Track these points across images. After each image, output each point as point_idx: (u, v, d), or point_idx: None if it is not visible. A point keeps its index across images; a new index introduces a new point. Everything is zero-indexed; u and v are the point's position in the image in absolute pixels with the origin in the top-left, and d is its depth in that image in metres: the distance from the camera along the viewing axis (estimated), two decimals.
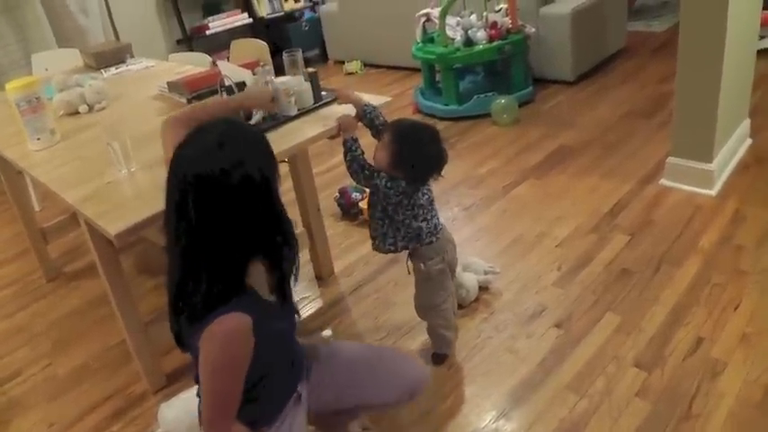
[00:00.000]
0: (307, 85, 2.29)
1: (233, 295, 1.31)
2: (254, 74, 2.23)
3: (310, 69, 2.35)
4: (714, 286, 2.37)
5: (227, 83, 2.21)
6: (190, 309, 1.32)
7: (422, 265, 2.09)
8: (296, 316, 1.60)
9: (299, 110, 2.25)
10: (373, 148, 2.00)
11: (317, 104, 2.30)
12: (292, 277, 1.48)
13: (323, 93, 2.34)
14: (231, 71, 2.21)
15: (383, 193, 1.97)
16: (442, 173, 1.98)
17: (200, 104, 1.96)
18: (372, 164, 1.98)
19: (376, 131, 2.10)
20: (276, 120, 2.21)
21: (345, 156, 2.00)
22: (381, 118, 2.11)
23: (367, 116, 2.10)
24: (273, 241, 1.37)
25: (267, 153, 1.37)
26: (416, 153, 1.93)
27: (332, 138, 2.14)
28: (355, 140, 2.01)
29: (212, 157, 1.26)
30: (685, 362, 2.06)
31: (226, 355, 1.32)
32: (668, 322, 2.24)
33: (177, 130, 1.66)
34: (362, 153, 1.99)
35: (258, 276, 1.39)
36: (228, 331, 1.30)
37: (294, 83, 2.25)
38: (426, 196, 2.03)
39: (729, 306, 2.26)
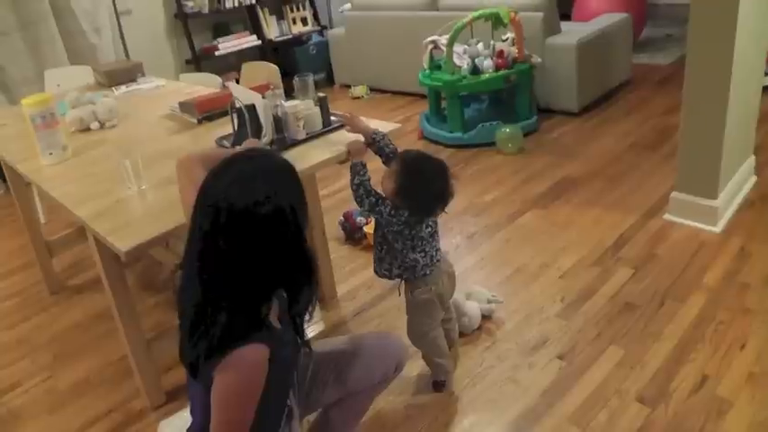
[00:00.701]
0: (316, 110, 2.31)
1: (253, 329, 1.31)
2: (263, 97, 2.25)
3: (320, 94, 2.37)
4: (719, 324, 2.37)
5: (237, 105, 2.22)
6: (208, 339, 1.31)
7: (410, 293, 2.12)
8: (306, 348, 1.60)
9: (307, 134, 2.27)
10: (382, 174, 2.01)
11: (325, 129, 2.32)
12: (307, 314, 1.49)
13: (332, 117, 2.36)
14: (242, 94, 2.23)
15: (386, 220, 1.98)
16: (446, 209, 2.00)
17: (212, 151, 2.00)
18: (380, 191, 2.00)
19: (386, 159, 2.12)
20: (283, 143, 2.23)
21: (352, 181, 2.02)
22: (391, 146, 2.13)
23: (376, 143, 2.11)
24: (296, 277, 1.38)
25: (298, 188, 1.38)
26: (422, 186, 1.94)
27: (341, 162, 2.16)
28: (363, 166, 2.02)
29: (246, 189, 1.27)
30: (690, 399, 2.05)
31: (243, 386, 1.32)
32: (672, 358, 2.23)
33: (194, 168, 1.69)
34: (369, 179, 2.01)
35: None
36: (249, 364, 1.30)
37: (303, 107, 2.27)
38: (429, 229, 2.04)
39: (735, 344, 2.26)
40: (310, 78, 2.39)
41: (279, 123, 2.27)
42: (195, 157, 1.78)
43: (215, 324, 1.29)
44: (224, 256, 1.29)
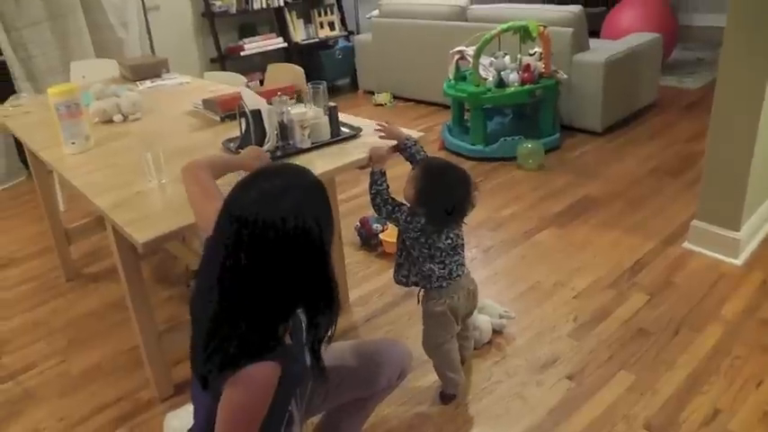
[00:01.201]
0: (324, 119, 2.28)
1: (267, 347, 1.30)
2: (270, 103, 2.23)
3: (331, 104, 2.34)
4: (735, 358, 2.34)
5: (243, 109, 2.20)
6: (222, 354, 1.29)
7: (425, 302, 2.14)
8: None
9: (312, 143, 2.25)
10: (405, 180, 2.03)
11: (333, 139, 2.30)
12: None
13: (344, 129, 2.34)
14: (250, 99, 2.22)
15: (402, 227, 2.01)
16: (465, 220, 2.01)
17: (217, 156, 2.01)
18: (399, 198, 2.02)
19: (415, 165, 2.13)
20: (286, 151, 2.22)
21: (371, 187, 2.04)
22: (423, 153, 2.15)
23: (408, 150, 2.13)
24: (317, 299, 1.37)
25: (326, 207, 1.36)
26: (441, 193, 1.96)
27: (361, 168, 2.17)
28: (383, 174, 2.04)
29: (273, 203, 1.26)
30: (700, 431, 2.04)
31: (252, 404, 1.32)
32: (684, 388, 2.21)
33: (203, 172, 1.72)
34: (388, 187, 2.03)
35: None
36: (260, 383, 1.30)
37: (312, 114, 2.25)
38: (449, 241, 2.04)
39: (751, 381, 2.23)
40: (323, 87, 2.37)
41: (284, 130, 2.25)
42: (201, 162, 1.80)
43: (230, 339, 1.28)
44: (244, 271, 1.27)
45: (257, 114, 2.18)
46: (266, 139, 2.17)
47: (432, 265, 2.04)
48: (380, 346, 1.88)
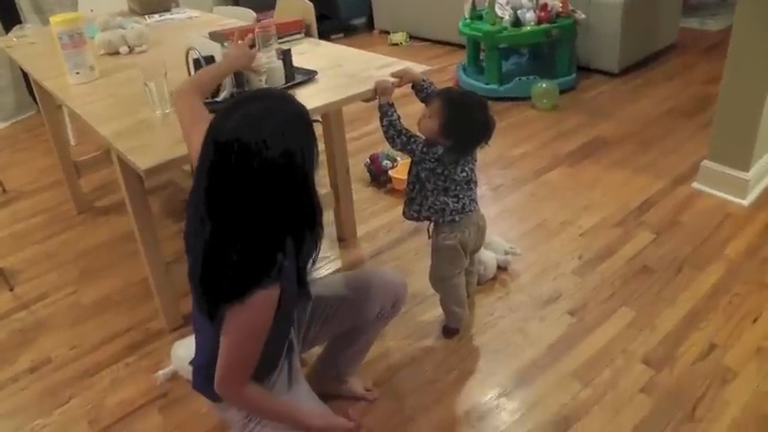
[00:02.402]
0: (279, 63, 2.21)
1: (266, 271, 1.31)
2: (223, 47, 2.15)
3: (283, 47, 2.27)
4: (735, 296, 2.35)
5: (195, 56, 2.11)
6: (224, 284, 1.31)
7: (435, 235, 2.13)
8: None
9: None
10: (413, 117, 2.01)
11: (288, 84, 2.22)
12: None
13: (297, 74, 2.27)
14: (201, 45, 2.14)
15: (419, 158, 1.99)
16: (489, 142, 2.00)
17: (202, 71, 1.93)
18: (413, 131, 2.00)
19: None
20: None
21: (382, 121, 2.02)
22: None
23: (424, 90, 2.11)
24: (300, 224, 1.37)
25: (309, 133, 1.34)
26: (466, 119, 1.95)
27: (366, 101, 2.15)
28: (391, 105, 2.02)
29: (254, 128, 1.25)
30: (695, 365, 2.06)
31: (254, 326, 1.36)
32: (683, 324, 2.23)
33: (190, 99, 1.70)
34: (399, 118, 2.01)
35: None
36: (261, 305, 1.33)
37: (265, 60, 2.17)
38: (464, 174, 2.03)
39: (748, 317, 2.24)
40: (273, 29, 2.28)
41: (239, 77, 2.14)
42: (187, 86, 1.78)
43: (226, 269, 1.29)
44: (229, 198, 1.27)
45: (211, 60, 2.08)
46: (222, 87, 2.07)
47: (446, 198, 2.03)
48: (374, 276, 1.90)
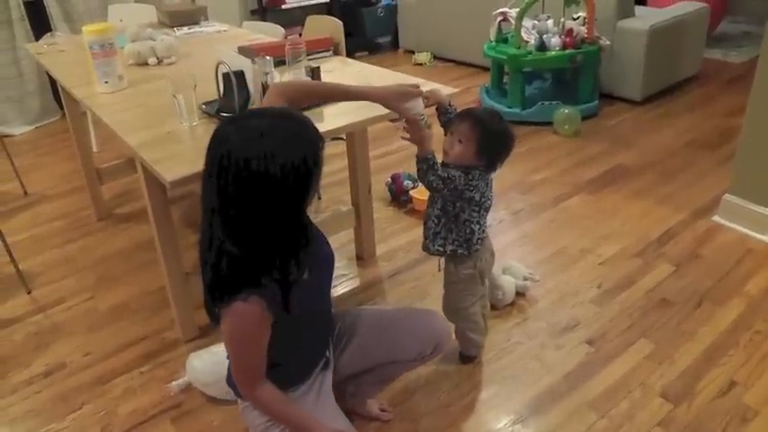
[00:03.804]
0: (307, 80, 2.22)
1: (252, 282, 1.35)
2: (253, 62, 2.15)
3: (313, 64, 2.28)
4: (755, 333, 2.32)
5: (224, 70, 2.12)
6: (214, 288, 1.39)
7: (452, 266, 2.10)
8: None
9: None
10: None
11: (316, 102, 2.17)
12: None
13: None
14: (231, 59, 2.15)
15: (463, 188, 1.90)
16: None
17: (312, 82, 1.90)
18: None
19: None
20: None
21: (426, 175, 1.87)
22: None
23: (447, 114, 2.04)
24: (284, 246, 1.37)
25: (306, 158, 1.31)
26: (497, 131, 1.91)
27: (393, 121, 2.14)
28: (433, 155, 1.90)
29: (248, 142, 1.27)
30: (714, 402, 2.03)
31: (238, 332, 1.41)
32: (703, 359, 2.21)
33: (278, 98, 1.68)
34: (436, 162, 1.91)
35: None
36: (241, 314, 1.37)
37: (292, 76, 2.18)
38: (490, 202, 2.02)
39: None
40: (302, 46, 2.30)
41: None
42: (287, 86, 1.76)
43: (218, 269, 1.35)
44: (219, 203, 1.31)
45: (240, 75, 2.10)
46: (250, 101, 2.09)
47: (473, 226, 1.99)
48: (420, 316, 1.87)
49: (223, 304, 1.36)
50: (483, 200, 1.97)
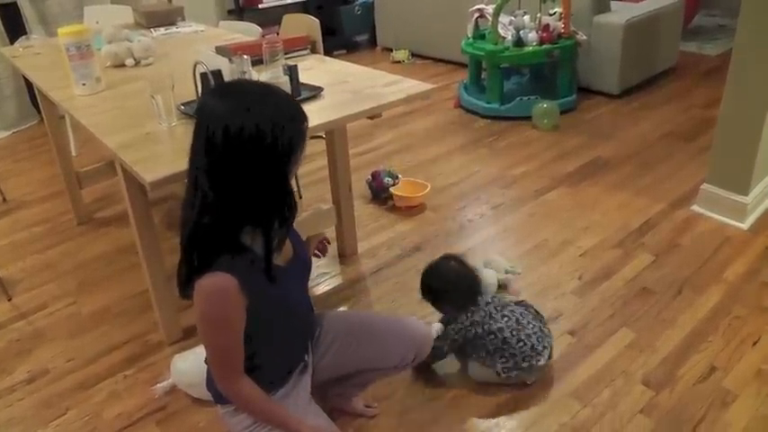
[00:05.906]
0: (285, 79, 2.20)
1: (226, 251, 1.35)
2: (231, 62, 2.16)
3: (290, 63, 2.28)
4: (734, 318, 2.36)
5: (202, 70, 2.11)
6: (187, 265, 1.39)
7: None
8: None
9: None
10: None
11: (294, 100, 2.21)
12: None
13: (303, 90, 2.26)
14: (208, 59, 2.15)
15: (467, 339, 2.08)
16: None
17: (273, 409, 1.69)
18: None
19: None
20: None
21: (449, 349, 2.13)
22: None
23: None
24: (267, 213, 1.39)
25: (291, 121, 1.35)
26: (443, 291, 2.13)
27: (371, 118, 2.15)
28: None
29: (236, 115, 1.28)
30: (695, 387, 2.06)
31: (212, 311, 1.38)
32: (683, 346, 2.24)
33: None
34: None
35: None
36: (212, 289, 1.35)
37: (270, 75, 2.17)
38: (506, 319, 2.07)
39: (748, 340, 2.25)
40: (280, 45, 2.31)
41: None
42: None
43: (200, 225, 1.35)
44: (205, 171, 1.33)
45: (218, 75, 2.10)
46: None
47: (500, 325, 2.06)
48: (401, 324, 1.85)
49: (197, 276, 1.35)
50: (490, 327, 2.06)
